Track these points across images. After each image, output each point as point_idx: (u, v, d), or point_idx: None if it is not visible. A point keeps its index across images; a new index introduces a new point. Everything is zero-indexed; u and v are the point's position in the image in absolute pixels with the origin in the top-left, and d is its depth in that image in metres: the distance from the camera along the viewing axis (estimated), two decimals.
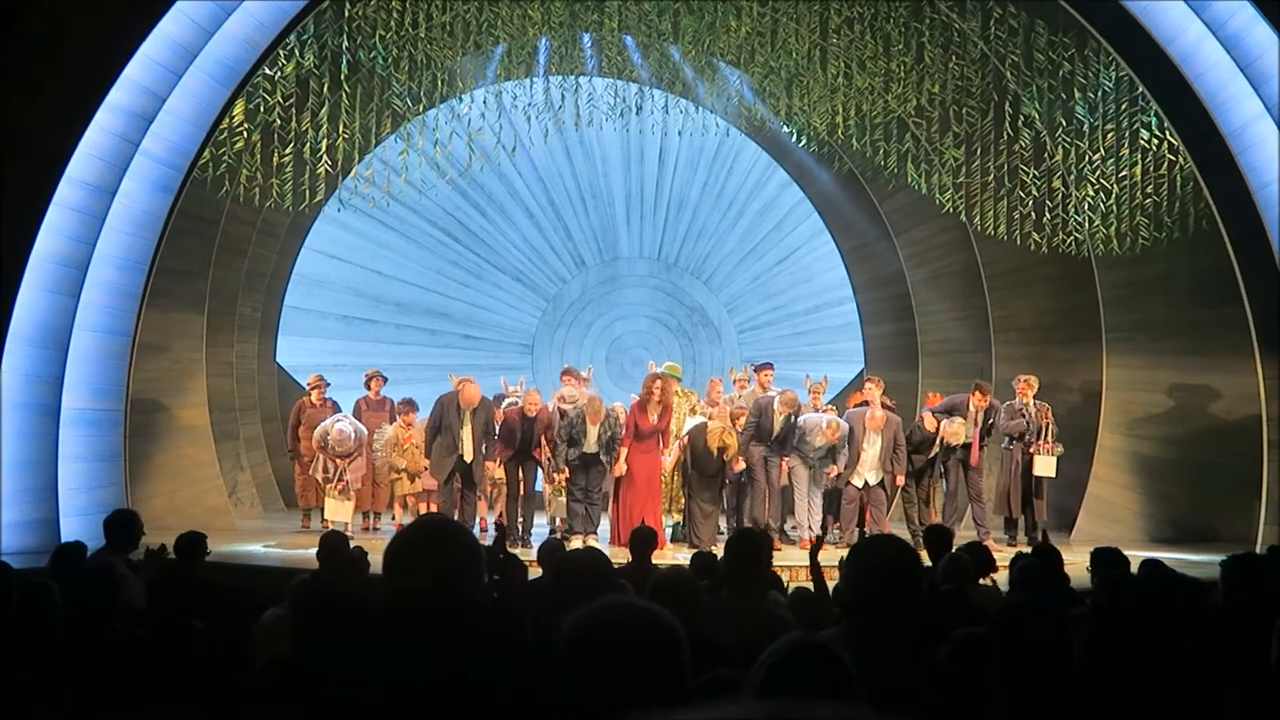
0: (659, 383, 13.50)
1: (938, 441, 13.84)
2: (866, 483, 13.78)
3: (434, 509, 14.01)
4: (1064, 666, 3.12)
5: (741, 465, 13.48)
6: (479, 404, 13.45)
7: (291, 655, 4.29)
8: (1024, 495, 14.30)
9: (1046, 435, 14.22)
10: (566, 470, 13.36)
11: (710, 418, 13.83)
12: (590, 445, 13.33)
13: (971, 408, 14.02)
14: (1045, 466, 14.19)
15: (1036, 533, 13.79)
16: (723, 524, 13.93)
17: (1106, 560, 7.23)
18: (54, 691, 4.11)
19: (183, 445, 14.62)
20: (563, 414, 13.64)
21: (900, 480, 13.78)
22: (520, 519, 13.47)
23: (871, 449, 13.73)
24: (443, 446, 13.28)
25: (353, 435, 13.96)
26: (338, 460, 13.86)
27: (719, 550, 7.96)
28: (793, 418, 13.72)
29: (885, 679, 3.07)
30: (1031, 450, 14.20)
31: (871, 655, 3.13)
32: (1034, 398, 14.41)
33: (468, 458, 13.29)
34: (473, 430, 13.30)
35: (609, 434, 13.38)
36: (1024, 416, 14.29)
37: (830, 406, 15.05)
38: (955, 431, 13.71)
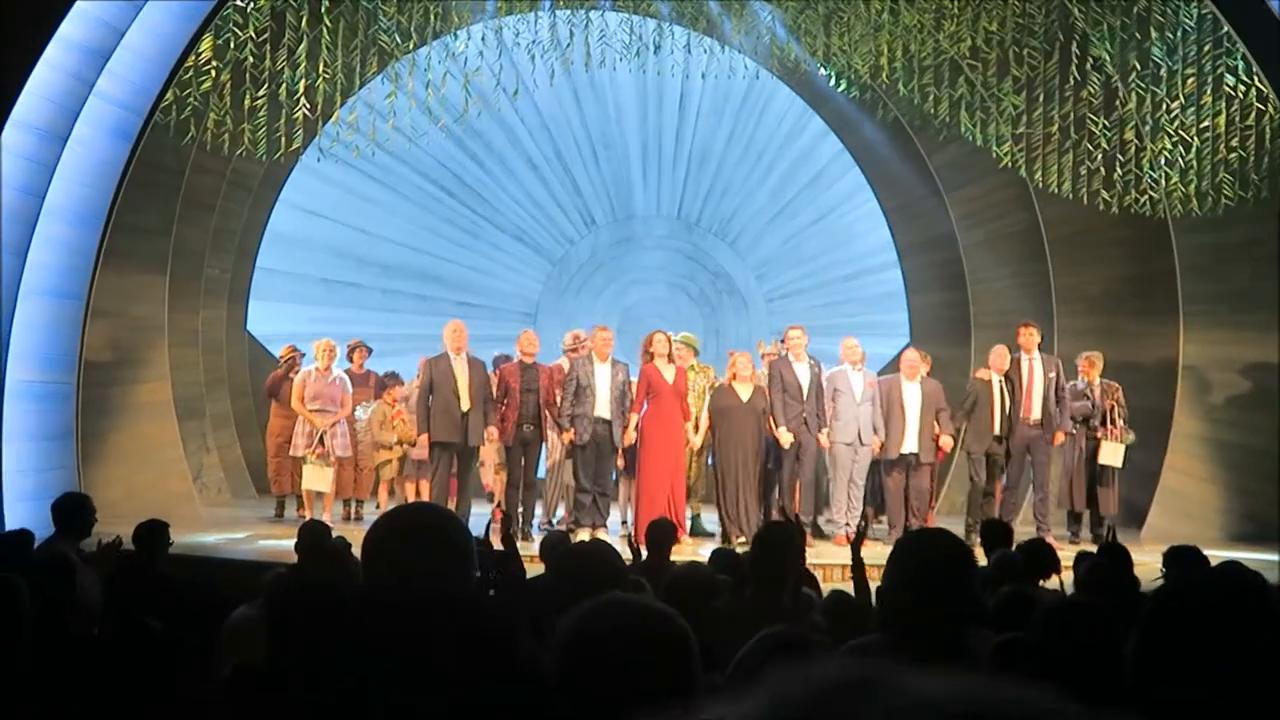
0: (660, 334, 13.55)
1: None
2: (909, 457, 13.76)
3: (424, 492, 14.06)
4: (1111, 674, 3.12)
5: (788, 436, 13.44)
6: (470, 358, 13.50)
7: (264, 659, 4.30)
8: (1089, 487, 14.30)
9: (1114, 419, 14.19)
10: (572, 431, 13.32)
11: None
12: (600, 394, 13.28)
13: (1021, 349, 14.05)
14: (1111, 455, 14.17)
15: (1102, 529, 13.81)
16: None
17: (1183, 560, 7.22)
18: (31, 693, 4.14)
19: (142, 423, 14.66)
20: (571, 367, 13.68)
21: (946, 445, 13.77)
22: (521, 509, 13.49)
23: (912, 407, 13.74)
24: (439, 403, 13.28)
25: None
26: (317, 422, 14.03)
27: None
28: (818, 368, 13.72)
29: None
30: (1098, 436, 14.19)
31: (915, 664, 3.13)
32: (1100, 377, 14.40)
33: (465, 406, 13.29)
34: (469, 379, 13.32)
35: (623, 382, 13.38)
36: (1088, 398, 14.28)
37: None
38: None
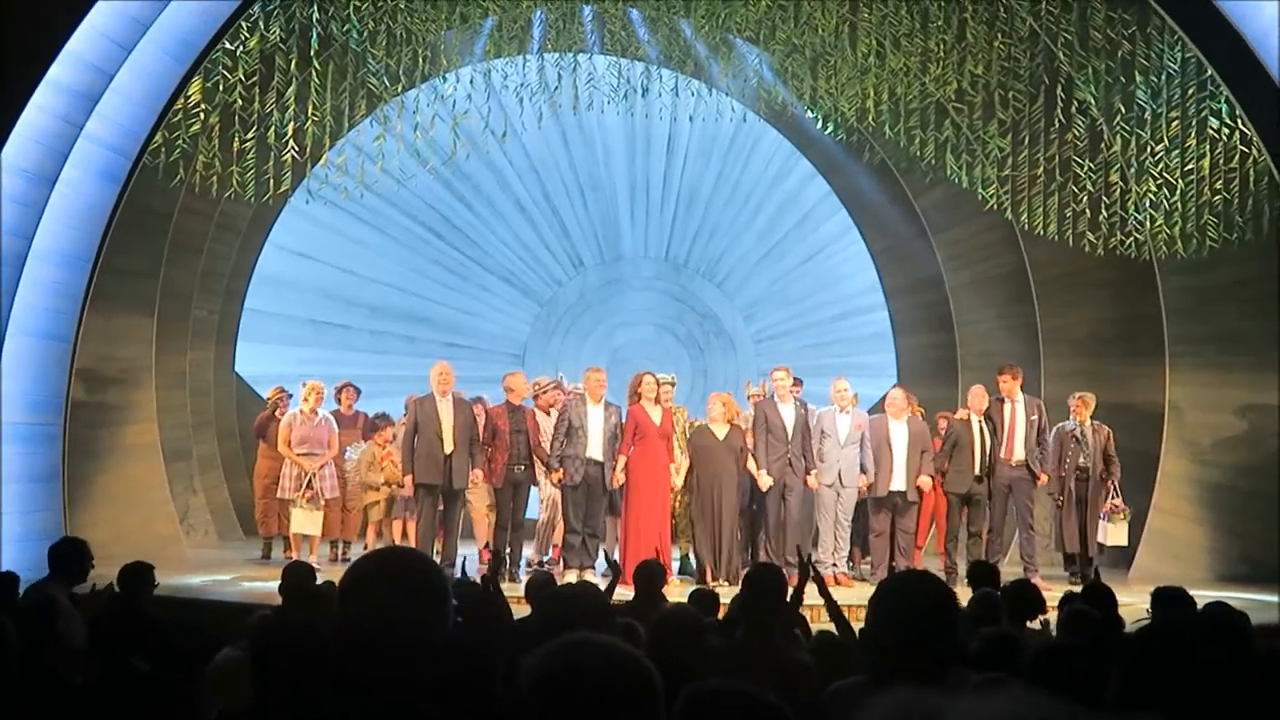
0: (649, 376, 13.57)
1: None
2: (895, 496, 13.78)
3: (410, 533, 14.03)
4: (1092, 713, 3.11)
5: (767, 479, 13.45)
6: (456, 400, 13.52)
7: (249, 703, 4.28)
8: (1080, 528, 14.31)
9: (1116, 493, 14.24)
10: (561, 471, 13.30)
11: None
12: (592, 436, 13.27)
13: (1003, 393, 14.10)
14: (1117, 535, 14.28)
15: (1090, 569, 13.86)
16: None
17: (1169, 601, 7.21)
18: None
19: (129, 465, 14.61)
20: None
21: (925, 485, 13.79)
22: (509, 550, 13.46)
23: (899, 446, 13.76)
24: (423, 445, 13.29)
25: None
26: (305, 464, 13.96)
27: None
28: (804, 409, 13.72)
29: None
30: (1103, 512, 14.23)
31: None
32: (1091, 418, 14.43)
33: (448, 449, 13.28)
34: (454, 421, 13.32)
35: (615, 424, 13.40)
36: (1078, 440, 14.29)
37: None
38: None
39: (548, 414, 14.08)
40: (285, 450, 14.26)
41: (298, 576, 7.80)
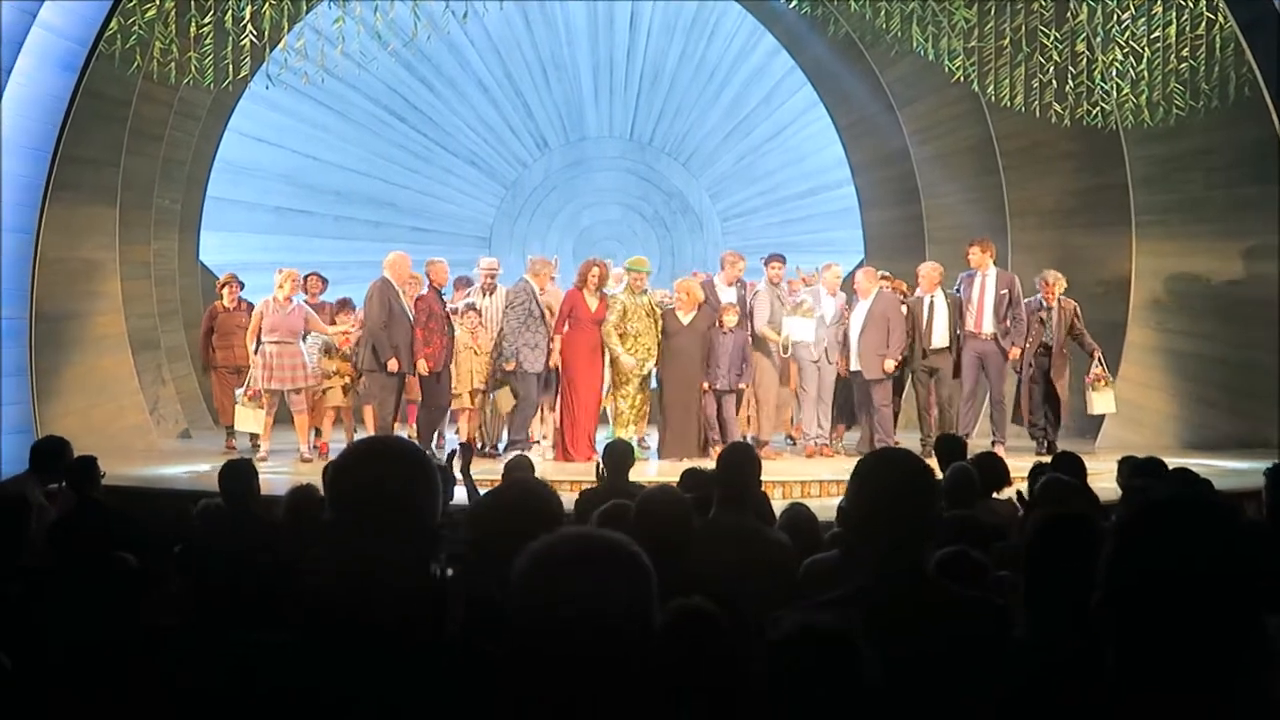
0: (598, 267, 13.76)
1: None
2: (857, 375, 14.04)
3: (370, 418, 14.02)
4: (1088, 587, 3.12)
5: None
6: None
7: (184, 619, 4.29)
8: (1045, 398, 14.37)
9: (1100, 363, 14.23)
10: (514, 362, 13.37)
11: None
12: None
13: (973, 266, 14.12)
14: (1105, 404, 14.26)
15: (1055, 435, 14.01)
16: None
17: (1142, 470, 7.25)
18: None
19: (97, 357, 14.54)
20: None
21: (890, 367, 13.81)
22: (436, 432, 13.71)
23: (855, 327, 13.98)
24: (402, 334, 13.26)
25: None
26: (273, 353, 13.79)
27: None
28: (741, 288, 14.15)
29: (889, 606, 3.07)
30: (1088, 379, 14.25)
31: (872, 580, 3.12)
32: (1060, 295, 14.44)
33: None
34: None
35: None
36: (1043, 320, 14.23)
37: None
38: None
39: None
40: (251, 339, 13.98)
41: (236, 477, 7.35)
